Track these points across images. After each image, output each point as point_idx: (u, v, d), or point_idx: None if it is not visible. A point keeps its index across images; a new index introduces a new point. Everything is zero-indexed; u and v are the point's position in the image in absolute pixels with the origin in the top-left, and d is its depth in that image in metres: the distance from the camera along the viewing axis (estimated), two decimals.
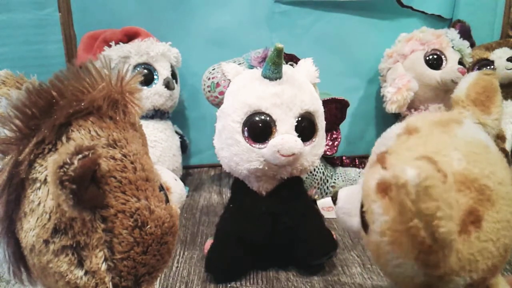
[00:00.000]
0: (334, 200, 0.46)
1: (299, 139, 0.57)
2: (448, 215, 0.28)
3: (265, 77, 0.59)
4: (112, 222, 0.32)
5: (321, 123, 0.61)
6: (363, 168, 0.92)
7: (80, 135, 0.32)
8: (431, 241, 0.29)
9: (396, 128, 0.39)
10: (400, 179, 0.28)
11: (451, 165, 0.33)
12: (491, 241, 0.32)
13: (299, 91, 0.59)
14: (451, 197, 0.29)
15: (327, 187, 0.88)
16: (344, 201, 0.44)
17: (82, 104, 0.32)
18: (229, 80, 0.64)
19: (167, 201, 0.37)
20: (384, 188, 0.33)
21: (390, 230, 0.32)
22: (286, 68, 0.60)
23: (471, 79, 0.41)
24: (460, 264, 0.32)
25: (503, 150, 0.40)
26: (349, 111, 0.87)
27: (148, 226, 0.33)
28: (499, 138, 0.41)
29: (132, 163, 0.33)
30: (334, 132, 0.87)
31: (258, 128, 0.58)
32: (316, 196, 0.87)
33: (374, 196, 0.34)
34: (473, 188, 0.32)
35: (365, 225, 0.38)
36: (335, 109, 0.84)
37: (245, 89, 0.60)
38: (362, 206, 0.38)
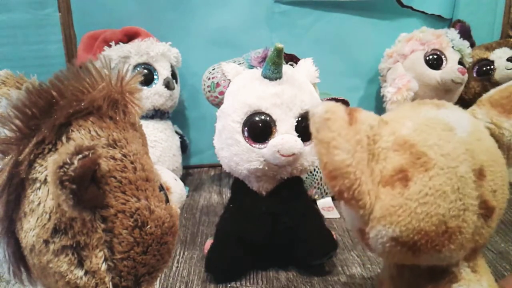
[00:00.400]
0: None
1: (299, 139, 0.57)
2: (344, 148, 0.33)
3: (265, 77, 0.59)
4: (112, 222, 0.32)
5: None
6: None
7: (80, 135, 0.32)
8: (331, 167, 0.33)
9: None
10: (311, 111, 0.34)
11: (398, 130, 0.37)
12: (417, 201, 0.34)
13: (299, 91, 0.59)
14: (355, 137, 0.34)
15: (327, 187, 0.88)
16: None
17: (82, 104, 0.32)
18: (229, 80, 0.64)
19: (167, 201, 0.37)
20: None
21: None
22: (286, 68, 0.60)
23: (503, 85, 0.42)
24: (381, 213, 0.35)
25: None
26: None
27: (148, 226, 0.33)
28: None
29: (132, 163, 0.33)
30: None
31: (258, 128, 0.58)
32: (316, 196, 0.87)
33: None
34: (409, 151, 0.35)
35: None
36: None
37: (245, 89, 0.60)
38: None
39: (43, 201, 0.31)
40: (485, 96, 0.42)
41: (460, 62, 0.95)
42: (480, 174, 0.36)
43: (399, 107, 0.42)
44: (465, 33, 0.99)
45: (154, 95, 0.87)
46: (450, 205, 0.34)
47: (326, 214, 0.81)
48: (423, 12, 1.07)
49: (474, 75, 1.01)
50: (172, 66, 0.91)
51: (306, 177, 0.85)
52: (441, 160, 0.35)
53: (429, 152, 0.35)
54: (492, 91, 0.42)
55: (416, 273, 0.40)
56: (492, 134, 0.40)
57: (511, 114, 0.40)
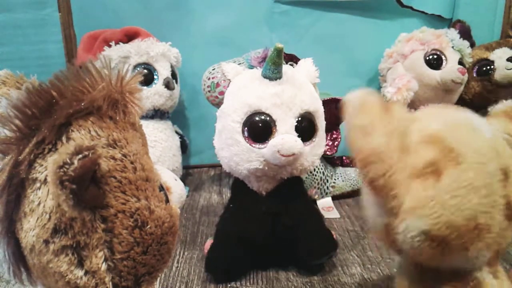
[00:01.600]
0: None
1: (299, 139, 0.57)
2: (381, 132, 0.33)
3: (265, 77, 0.59)
4: (112, 222, 0.32)
5: (321, 123, 0.61)
6: None
7: (80, 135, 0.32)
8: (367, 152, 0.33)
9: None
10: (346, 98, 0.35)
11: (428, 125, 0.38)
12: (448, 194, 0.34)
13: (299, 91, 0.59)
14: (390, 124, 0.34)
15: (327, 187, 0.88)
16: None
17: (82, 104, 0.32)
18: (229, 80, 0.64)
19: (167, 201, 0.37)
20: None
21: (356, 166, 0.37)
22: (286, 68, 0.60)
23: None
24: (412, 204, 0.35)
25: None
26: None
27: (148, 226, 0.33)
28: None
29: (132, 163, 0.33)
30: (334, 132, 0.87)
31: (258, 128, 0.58)
32: (316, 196, 0.87)
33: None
34: (440, 145, 0.36)
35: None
36: (335, 109, 0.84)
37: (245, 89, 0.60)
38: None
39: (43, 201, 0.31)
40: (498, 108, 0.43)
41: (460, 62, 0.95)
42: (505, 174, 0.37)
43: (425, 109, 0.42)
44: (465, 33, 0.99)
45: (154, 95, 0.87)
46: (480, 200, 0.34)
47: (326, 214, 0.81)
48: (423, 12, 1.07)
49: (474, 75, 1.01)
50: (172, 66, 0.91)
51: (306, 177, 0.85)
52: (472, 156, 0.35)
53: (460, 147, 0.35)
54: (506, 104, 0.43)
55: (438, 278, 0.40)
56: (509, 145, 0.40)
57: None
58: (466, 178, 0.35)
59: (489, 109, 0.44)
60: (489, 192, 0.35)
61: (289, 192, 0.62)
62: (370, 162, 0.33)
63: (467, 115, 0.39)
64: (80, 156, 0.28)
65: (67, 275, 0.32)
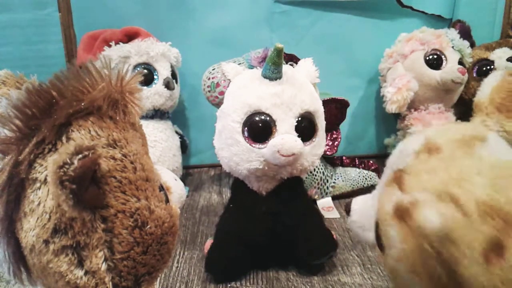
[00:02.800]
0: (347, 211, 0.44)
1: (299, 139, 0.57)
2: (472, 260, 0.28)
3: (265, 77, 0.59)
4: (112, 222, 0.32)
5: (321, 123, 0.61)
6: (363, 168, 0.92)
7: (80, 135, 0.32)
8: (453, 285, 0.28)
9: (414, 143, 0.37)
10: (423, 228, 0.28)
11: (474, 193, 0.31)
12: None
13: (299, 91, 0.59)
14: (473, 235, 0.28)
15: (327, 187, 0.88)
16: (359, 214, 0.43)
17: (82, 104, 0.32)
18: (229, 80, 0.64)
19: (167, 201, 0.37)
20: (401, 214, 0.32)
21: (409, 260, 0.31)
22: (286, 68, 0.60)
23: (495, 82, 0.39)
24: None
25: None
26: (349, 111, 0.87)
27: (148, 226, 0.33)
28: None
29: (132, 163, 0.33)
30: (334, 132, 0.87)
31: (258, 128, 0.58)
32: (316, 196, 0.87)
33: (391, 221, 0.33)
34: (498, 217, 0.30)
35: (380, 245, 0.37)
36: (335, 109, 0.84)
37: (245, 89, 0.60)
38: (377, 225, 0.37)
39: (43, 201, 0.31)
40: (483, 98, 0.39)
41: (460, 62, 0.95)
42: None
43: (444, 150, 0.34)
44: (465, 33, 0.99)
45: (154, 95, 0.87)
46: None
47: (326, 214, 0.81)
48: (423, 12, 1.07)
49: (474, 75, 1.01)
50: (172, 66, 0.91)
51: (306, 177, 0.85)
52: None
53: None
54: (488, 92, 0.39)
55: None
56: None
57: None
58: None
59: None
60: None
61: (289, 192, 0.62)
62: None
63: (496, 151, 0.34)
64: (80, 156, 0.28)
65: (67, 275, 0.32)
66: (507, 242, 0.30)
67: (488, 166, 0.32)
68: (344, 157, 0.94)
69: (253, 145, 0.58)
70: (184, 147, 0.98)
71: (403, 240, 0.32)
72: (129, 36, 0.89)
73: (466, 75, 0.93)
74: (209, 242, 0.63)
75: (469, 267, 0.28)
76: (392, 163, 0.38)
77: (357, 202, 0.44)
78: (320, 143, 0.62)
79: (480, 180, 0.31)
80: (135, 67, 0.85)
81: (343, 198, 0.89)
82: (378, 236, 0.37)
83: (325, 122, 0.63)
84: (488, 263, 0.30)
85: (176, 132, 0.97)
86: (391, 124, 1.08)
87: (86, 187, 0.29)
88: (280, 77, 0.59)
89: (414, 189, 0.33)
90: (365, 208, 0.42)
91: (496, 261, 0.30)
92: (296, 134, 0.57)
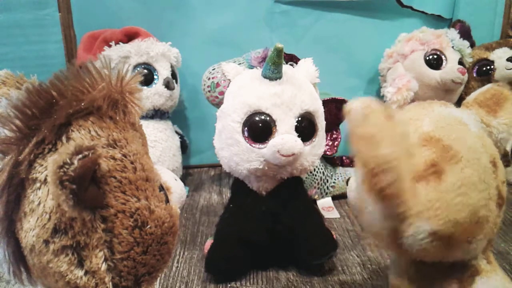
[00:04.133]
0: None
1: (299, 139, 0.57)
2: (388, 141, 0.32)
3: (265, 77, 0.59)
4: (112, 222, 0.32)
5: (321, 123, 0.61)
6: None
7: (80, 135, 0.32)
8: (374, 163, 0.32)
9: None
10: (347, 107, 0.34)
11: (420, 127, 0.38)
12: (452, 193, 0.35)
13: (299, 91, 0.59)
14: (396, 131, 0.33)
15: (327, 187, 0.88)
16: (355, 191, 0.46)
17: (82, 104, 0.32)
18: (229, 80, 0.64)
19: (167, 201, 0.37)
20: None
21: (361, 176, 0.35)
22: (286, 68, 0.60)
23: (483, 88, 0.44)
24: (418, 208, 0.35)
25: (503, 150, 0.41)
26: None
27: (148, 226, 0.33)
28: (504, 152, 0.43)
29: (132, 163, 0.33)
30: (334, 132, 0.87)
31: (258, 128, 0.58)
32: (316, 196, 0.87)
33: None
34: (437, 146, 0.37)
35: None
36: (335, 109, 0.84)
37: (245, 89, 0.60)
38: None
39: (43, 201, 0.31)
40: (469, 98, 0.44)
41: (460, 62, 0.95)
42: (494, 165, 0.38)
43: (407, 107, 0.43)
44: (465, 33, 0.99)
45: (154, 95, 0.87)
46: (479, 195, 0.36)
47: (326, 214, 0.81)
48: (423, 12, 1.07)
49: (474, 75, 1.01)
50: (172, 66, 0.91)
51: (306, 177, 0.85)
52: (467, 152, 0.36)
53: (455, 145, 0.37)
54: (475, 94, 0.44)
55: (437, 272, 0.41)
56: None
57: (497, 113, 0.42)
58: (466, 175, 0.36)
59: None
60: (486, 186, 0.36)
61: (289, 192, 0.62)
62: (379, 172, 0.32)
63: (452, 111, 0.41)
64: (80, 156, 0.28)
65: (67, 275, 0.32)
66: (444, 168, 0.36)
67: (437, 114, 0.39)
68: (344, 157, 0.94)
69: (253, 145, 0.58)
70: (184, 147, 0.98)
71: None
72: (129, 36, 0.89)
73: (466, 75, 0.93)
74: (209, 242, 0.63)
75: (386, 149, 0.32)
76: None
77: (354, 180, 0.48)
78: (320, 143, 0.62)
79: (427, 120, 0.39)
80: (135, 67, 0.86)
81: (343, 198, 0.89)
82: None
83: (325, 122, 0.63)
84: (425, 181, 0.36)
85: (176, 132, 0.97)
86: None
87: (86, 187, 0.29)
88: (280, 77, 0.59)
89: None
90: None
91: (432, 180, 0.36)
92: (296, 134, 0.57)
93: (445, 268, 0.40)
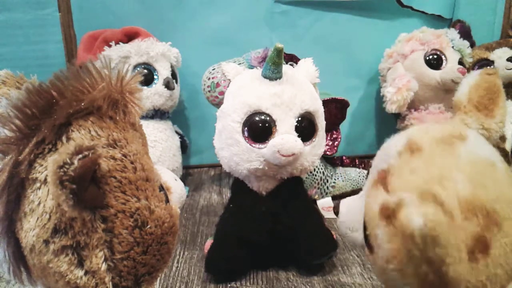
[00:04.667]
0: (336, 212, 0.45)
1: (299, 139, 0.57)
2: (457, 258, 0.28)
3: (265, 77, 0.59)
4: (112, 222, 0.32)
5: (321, 123, 0.61)
6: (363, 168, 0.92)
7: (80, 135, 0.32)
8: (440, 284, 0.29)
9: (397, 143, 0.37)
10: (407, 229, 0.28)
11: (456, 191, 0.31)
12: (500, 266, 0.31)
13: (299, 91, 0.59)
14: (458, 235, 0.29)
15: (327, 187, 0.88)
16: (347, 215, 0.43)
17: (82, 104, 0.32)
18: (229, 80, 0.64)
19: (167, 201, 0.37)
20: (388, 215, 0.32)
21: (397, 260, 0.32)
22: (286, 68, 0.60)
23: (473, 80, 0.39)
24: None
25: (503, 150, 0.40)
26: (349, 111, 0.87)
27: (148, 226, 0.33)
28: (499, 138, 0.40)
29: (132, 163, 0.33)
30: (334, 132, 0.87)
31: (258, 128, 0.58)
32: (316, 196, 0.87)
33: (378, 221, 0.33)
34: (480, 214, 0.31)
35: (369, 245, 0.37)
36: (335, 109, 0.84)
37: (245, 89, 0.60)
38: (365, 227, 0.38)
39: (43, 201, 0.31)
40: (461, 97, 0.40)
41: (460, 62, 0.95)
42: None
43: (424, 150, 0.35)
44: (465, 33, 0.99)
45: (154, 95, 0.87)
46: None
47: (326, 214, 0.81)
48: (423, 12, 1.07)
49: None
50: (172, 66, 0.91)
51: (306, 177, 0.85)
52: (506, 210, 0.31)
53: (496, 206, 0.31)
54: (466, 91, 0.39)
55: None
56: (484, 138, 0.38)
57: (493, 112, 0.38)
58: (510, 238, 0.31)
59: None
60: None
61: (289, 192, 0.62)
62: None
63: (477, 149, 0.34)
64: (80, 156, 0.28)
65: (67, 275, 0.32)
66: (490, 239, 0.31)
67: (467, 162, 0.33)
68: (344, 157, 0.94)
69: (253, 145, 0.58)
70: (184, 147, 0.98)
71: (390, 240, 0.32)
72: (129, 36, 0.89)
73: (466, 75, 0.93)
74: (209, 242, 0.63)
75: (454, 266, 0.28)
76: (377, 163, 0.39)
77: (345, 203, 0.44)
78: (320, 143, 0.62)
79: (460, 176, 0.32)
80: (135, 67, 0.86)
81: (343, 198, 0.89)
82: (366, 237, 0.38)
83: (325, 122, 0.63)
84: (473, 261, 0.30)
85: (176, 132, 0.97)
86: (391, 124, 1.08)
87: (86, 187, 0.29)
88: (280, 77, 0.59)
89: (398, 189, 0.33)
90: (353, 209, 0.42)
91: (481, 258, 0.30)
92: (296, 134, 0.57)
93: None
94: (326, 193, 0.88)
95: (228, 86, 0.63)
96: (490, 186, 0.32)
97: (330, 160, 0.91)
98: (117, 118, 0.34)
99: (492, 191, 0.32)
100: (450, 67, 0.93)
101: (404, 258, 0.31)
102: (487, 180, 0.32)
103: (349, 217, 0.43)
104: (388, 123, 1.10)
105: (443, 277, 0.29)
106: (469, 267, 0.30)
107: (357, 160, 0.93)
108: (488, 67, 0.99)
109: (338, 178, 0.89)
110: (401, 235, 0.29)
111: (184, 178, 1.03)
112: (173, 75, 0.91)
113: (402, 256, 0.31)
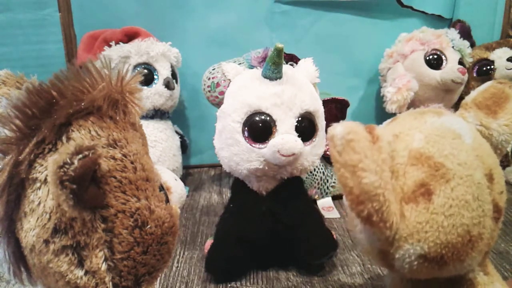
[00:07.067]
0: None
1: (299, 139, 0.57)
2: (372, 169, 0.31)
3: (265, 77, 0.59)
4: (112, 222, 0.32)
5: (321, 123, 0.61)
6: None
7: (80, 135, 0.32)
8: (358, 191, 0.31)
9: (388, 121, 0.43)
10: (329, 133, 0.32)
11: (410, 143, 0.36)
12: (442, 215, 0.34)
13: (299, 91, 0.59)
14: (380, 157, 0.32)
15: (327, 187, 0.88)
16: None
17: (82, 104, 0.32)
18: (229, 80, 0.64)
19: (167, 201, 0.37)
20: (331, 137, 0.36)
21: (348, 202, 0.34)
22: (286, 68, 0.60)
23: (483, 86, 0.42)
24: (408, 231, 0.34)
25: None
26: (349, 111, 0.87)
27: (148, 226, 0.33)
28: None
29: (132, 163, 0.33)
30: None
31: (258, 128, 0.58)
32: (316, 196, 0.87)
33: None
34: (427, 164, 0.35)
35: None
36: (335, 109, 0.84)
37: (245, 89, 0.60)
38: None
39: (43, 201, 0.31)
40: (468, 98, 0.42)
41: (460, 62, 0.95)
42: (490, 178, 0.37)
43: (399, 118, 0.41)
44: (465, 33, 0.99)
45: (154, 95, 0.87)
46: (472, 214, 0.34)
47: (326, 214, 0.81)
48: (423, 12, 1.07)
49: (474, 75, 1.01)
50: (172, 66, 0.91)
51: (306, 177, 0.85)
52: (459, 169, 0.35)
53: (447, 162, 0.35)
54: (474, 94, 0.42)
55: (433, 286, 0.40)
56: (482, 136, 0.40)
57: (497, 114, 0.40)
58: (458, 194, 0.34)
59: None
60: (480, 203, 0.35)
61: (289, 192, 0.62)
62: (362, 201, 0.31)
63: (446, 121, 0.38)
64: (80, 156, 0.28)
65: (67, 275, 0.32)
66: (434, 188, 0.34)
67: (429, 127, 0.37)
68: None
69: (253, 145, 0.58)
70: (184, 147, 0.98)
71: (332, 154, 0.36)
72: (129, 36, 0.89)
73: (466, 75, 0.93)
74: (209, 242, 0.63)
75: (370, 177, 0.31)
76: None
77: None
78: (320, 143, 0.62)
79: (418, 135, 0.37)
80: (135, 67, 0.85)
81: (343, 198, 0.89)
82: None
83: (325, 122, 0.63)
84: (413, 201, 0.34)
85: (176, 132, 0.97)
86: None
87: (86, 187, 0.29)
88: (280, 77, 0.59)
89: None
90: None
91: (421, 201, 0.34)
92: (296, 134, 0.57)
93: (441, 284, 0.39)
94: (326, 193, 0.88)
95: (228, 86, 0.63)
96: (445, 146, 0.36)
97: (330, 160, 0.91)
98: (117, 118, 0.34)
99: (445, 150, 0.35)
100: (450, 67, 0.93)
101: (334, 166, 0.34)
102: (444, 142, 0.36)
103: None
104: None
105: (359, 184, 0.31)
106: (409, 207, 0.34)
107: None
108: (488, 67, 0.99)
109: None
110: (331, 144, 0.33)
111: (184, 178, 1.03)
112: (173, 75, 0.91)
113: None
